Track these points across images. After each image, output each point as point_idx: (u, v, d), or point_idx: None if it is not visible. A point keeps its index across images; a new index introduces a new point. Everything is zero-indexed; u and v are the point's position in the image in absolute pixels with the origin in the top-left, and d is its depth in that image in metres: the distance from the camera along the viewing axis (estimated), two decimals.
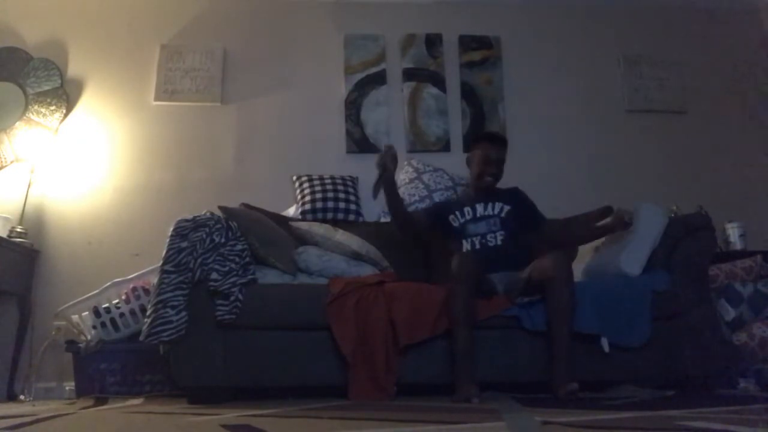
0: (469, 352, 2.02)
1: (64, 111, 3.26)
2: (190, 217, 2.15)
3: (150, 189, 3.24)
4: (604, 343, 2.12)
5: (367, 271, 2.43)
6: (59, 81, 3.29)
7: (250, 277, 2.16)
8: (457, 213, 2.52)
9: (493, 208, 2.49)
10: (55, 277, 3.04)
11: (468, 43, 3.59)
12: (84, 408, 2.06)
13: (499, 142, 2.58)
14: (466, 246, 2.44)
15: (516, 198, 2.56)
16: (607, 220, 2.39)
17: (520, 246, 2.41)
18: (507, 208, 2.49)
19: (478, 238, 2.44)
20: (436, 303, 2.12)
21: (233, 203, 2.66)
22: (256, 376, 2.10)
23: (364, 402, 1.95)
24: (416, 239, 2.69)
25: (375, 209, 3.18)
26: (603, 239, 2.53)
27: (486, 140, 2.57)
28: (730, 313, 2.53)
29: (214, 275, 2.07)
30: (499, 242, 2.41)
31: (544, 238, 2.53)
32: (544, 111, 3.55)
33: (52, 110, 3.25)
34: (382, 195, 2.31)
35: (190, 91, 3.39)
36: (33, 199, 3.11)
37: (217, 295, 2.07)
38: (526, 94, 3.56)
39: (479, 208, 2.50)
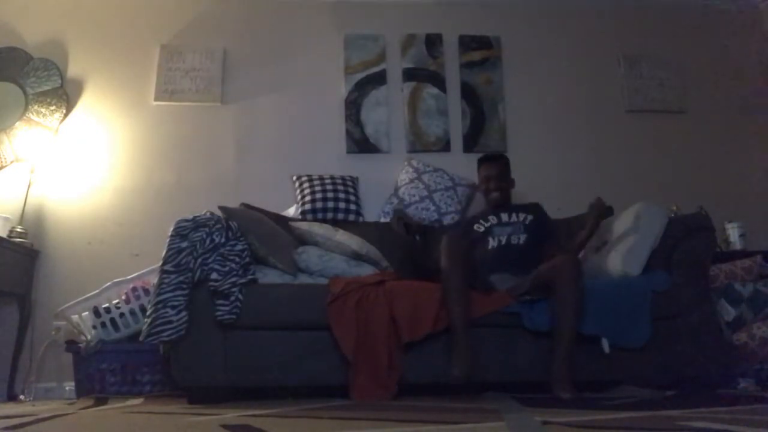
0: (465, 332, 2.03)
1: (64, 111, 3.26)
2: (190, 217, 2.15)
3: (150, 189, 3.23)
4: (605, 344, 2.12)
5: (367, 270, 2.43)
6: (59, 81, 3.29)
7: (250, 277, 2.16)
8: (482, 221, 2.68)
9: (517, 217, 2.64)
10: (55, 277, 3.03)
11: (468, 43, 3.59)
12: (84, 408, 2.06)
13: (492, 159, 2.81)
14: (492, 243, 2.56)
15: (537, 211, 2.69)
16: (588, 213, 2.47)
17: (538, 250, 2.49)
18: (530, 218, 2.63)
19: (504, 237, 2.56)
20: (437, 300, 2.12)
21: (233, 203, 2.66)
22: (256, 376, 2.10)
23: (364, 402, 1.96)
24: None
25: (375, 209, 3.18)
26: (602, 239, 2.53)
27: (481, 163, 2.84)
28: (730, 313, 2.53)
29: (214, 275, 2.07)
30: (522, 242, 2.53)
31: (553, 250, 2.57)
32: (544, 111, 3.55)
33: (52, 110, 3.25)
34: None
35: (190, 91, 3.39)
36: (33, 199, 3.11)
37: (217, 295, 2.07)
38: (526, 94, 3.55)
39: (504, 216, 2.66)
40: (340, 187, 3.10)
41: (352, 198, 3.11)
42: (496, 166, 2.77)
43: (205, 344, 2.07)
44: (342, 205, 3.04)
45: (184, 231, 2.10)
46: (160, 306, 2.02)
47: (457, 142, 3.45)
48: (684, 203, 3.18)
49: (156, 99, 3.36)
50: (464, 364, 1.98)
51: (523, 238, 2.54)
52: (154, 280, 2.19)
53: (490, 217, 2.66)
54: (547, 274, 2.14)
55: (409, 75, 3.52)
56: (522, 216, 2.63)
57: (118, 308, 2.61)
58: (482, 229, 2.63)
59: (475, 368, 2.00)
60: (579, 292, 2.07)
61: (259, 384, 2.16)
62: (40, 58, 3.31)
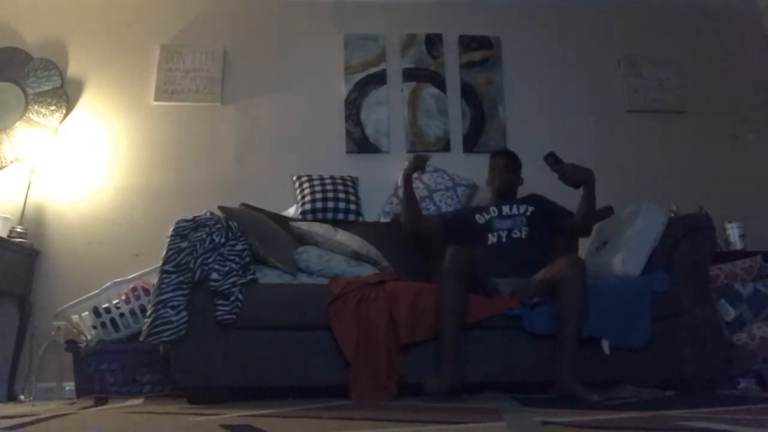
0: (454, 346, 1.99)
1: (64, 111, 3.26)
2: (190, 217, 2.15)
3: (150, 189, 3.23)
4: (605, 345, 2.12)
5: (367, 270, 2.43)
6: (59, 81, 3.29)
7: (250, 277, 2.16)
8: (483, 212, 2.63)
9: (518, 209, 2.60)
10: (55, 277, 3.03)
11: (468, 43, 3.59)
12: (84, 408, 2.06)
13: (501, 154, 2.81)
14: (492, 239, 2.52)
15: (536, 200, 2.65)
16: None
17: (542, 244, 2.48)
18: (531, 209, 2.60)
19: (505, 232, 2.53)
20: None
21: (233, 203, 2.65)
22: (256, 376, 2.10)
23: (364, 402, 1.95)
24: (419, 238, 2.75)
25: (375, 209, 3.18)
26: (603, 239, 2.53)
27: (492, 156, 2.84)
28: (730, 313, 2.53)
29: (214, 275, 2.07)
30: (524, 236, 2.50)
31: (572, 230, 2.59)
32: (544, 111, 3.55)
33: (52, 110, 3.25)
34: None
35: (190, 91, 3.39)
36: (33, 199, 3.11)
37: (217, 295, 2.07)
38: (526, 94, 3.55)
39: (505, 208, 2.62)
40: (340, 187, 3.10)
41: (352, 198, 3.11)
42: (504, 160, 2.75)
43: (205, 344, 2.07)
44: (342, 205, 3.04)
45: (184, 231, 2.10)
46: (160, 306, 2.02)
47: (457, 142, 3.45)
48: (684, 203, 3.18)
49: (156, 99, 3.36)
50: (447, 379, 1.92)
51: (524, 231, 2.50)
52: (154, 280, 2.19)
53: (492, 208, 2.62)
54: (551, 276, 2.13)
55: (409, 75, 3.52)
56: (523, 208, 2.59)
57: (118, 308, 2.61)
58: (483, 221, 2.59)
59: (460, 381, 1.96)
60: (583, 295, 2.05)
61: (259, 384, 2.16)
62: (40, 58, 3.31)
